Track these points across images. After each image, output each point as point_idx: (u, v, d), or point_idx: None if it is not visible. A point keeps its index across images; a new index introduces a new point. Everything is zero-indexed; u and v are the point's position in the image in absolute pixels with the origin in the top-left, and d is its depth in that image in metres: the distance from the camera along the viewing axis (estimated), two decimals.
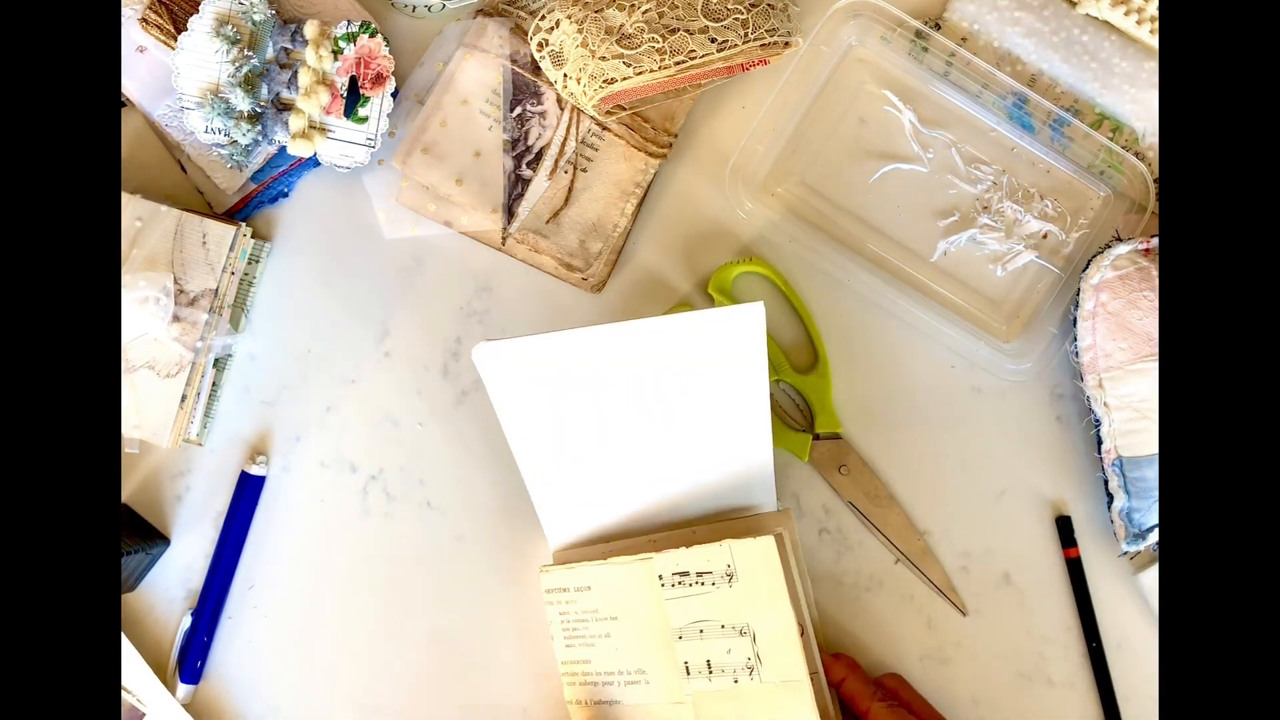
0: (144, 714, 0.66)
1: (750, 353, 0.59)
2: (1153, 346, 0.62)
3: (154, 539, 0.67)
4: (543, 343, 0.59)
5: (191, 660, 0.66)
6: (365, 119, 0.65)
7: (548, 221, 0.67)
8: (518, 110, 0.67)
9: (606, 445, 0.63)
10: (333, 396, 0.68)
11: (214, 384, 0.67)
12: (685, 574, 0.59)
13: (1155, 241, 0.63)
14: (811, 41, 0.66)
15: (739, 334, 0.59)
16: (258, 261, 0.67)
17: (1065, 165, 0.67)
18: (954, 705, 0.65)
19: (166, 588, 0.67)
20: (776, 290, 0.67)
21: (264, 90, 0.64)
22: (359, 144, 0.65)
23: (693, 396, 0.61)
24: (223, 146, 0.65)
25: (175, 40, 0.64)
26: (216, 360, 0.66)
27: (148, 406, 0.63)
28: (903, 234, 0.67)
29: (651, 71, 0.61)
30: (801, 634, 0.59)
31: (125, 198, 0.63)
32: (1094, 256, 0.63)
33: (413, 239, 0.68)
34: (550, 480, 0.63)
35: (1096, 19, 0.66)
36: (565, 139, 0.67)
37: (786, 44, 0.63)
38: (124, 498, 0.67)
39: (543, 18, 0.64)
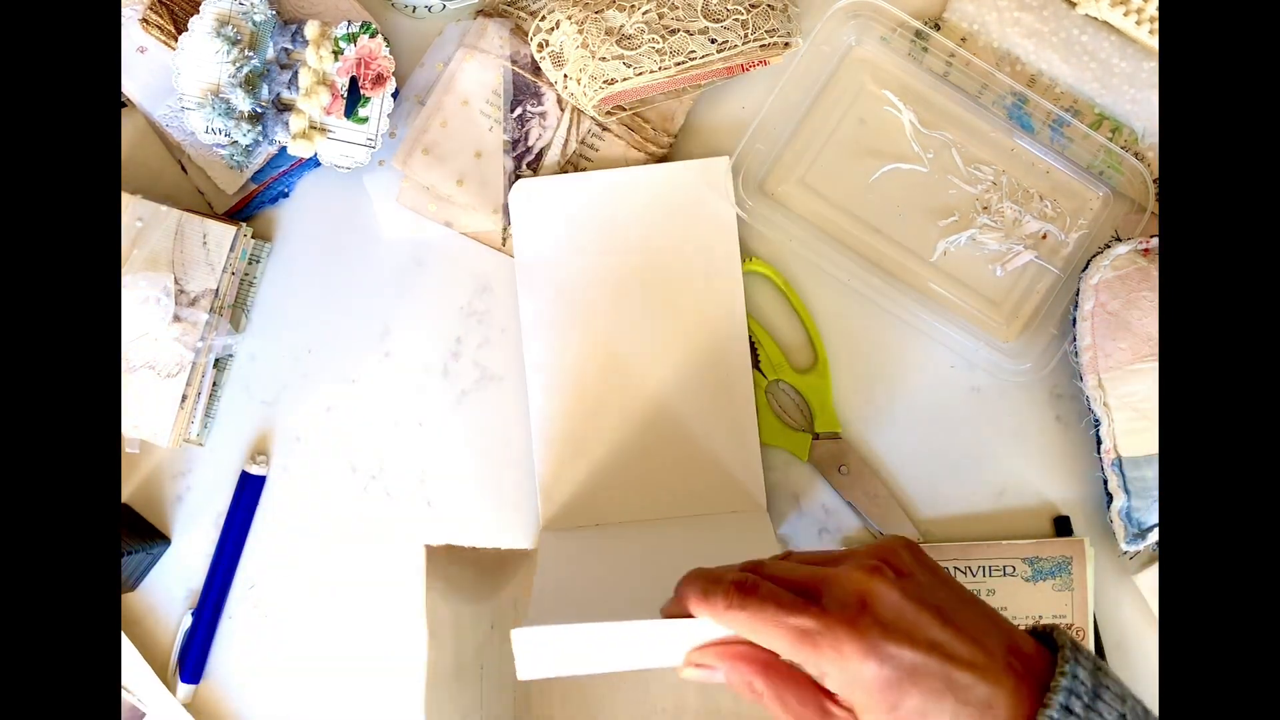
0: (144, 714, 0.66)
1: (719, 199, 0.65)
2: (1152, 346, 0.62)
3: (154, 539, 0.67)
4: (573, 181, 0.66)
5: (191, 660, 0.66)
6: (365, 119, 0.65)
7: None
8: (518, 111, 0.67)
9: (603, 293, 0.66)
10: (333, 396, 0.68)
11: (214, 384, 0.67)
12: None
13: (1154, 241, 0.63)
14: (812, 41, 0.66)
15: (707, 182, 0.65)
16: (258, 261, 0.68)
17: (1065, 165, 0.67)
18: None
19: (166, 588, 0.67)
20: (776, 290, 0.67)
21: (264, 90, 0.64)
22: (359, 144, 0.65)
23: (672, 240, 0.66)
24: (223, 147, 0.65)
25: (176, 41, 0.64)
26: (217, 360, 0.66)
27: (148, 406, 0.63)
28: (902, 234, 0.67)
29: (651, 72, 0.61)
30: None
31: (126, 198, 0.64)
32: (1093, 257, 0.63)
33: (413, 239, 0.68)
34: (547, 372, 0.66)
35: (1096, 19, 0.66)
36: (565, 139, 0.67)
37: (786, 44, 0.63)
38: (124, 498, 0.68)
39: (543, 18, 0.64)
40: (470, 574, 0.68)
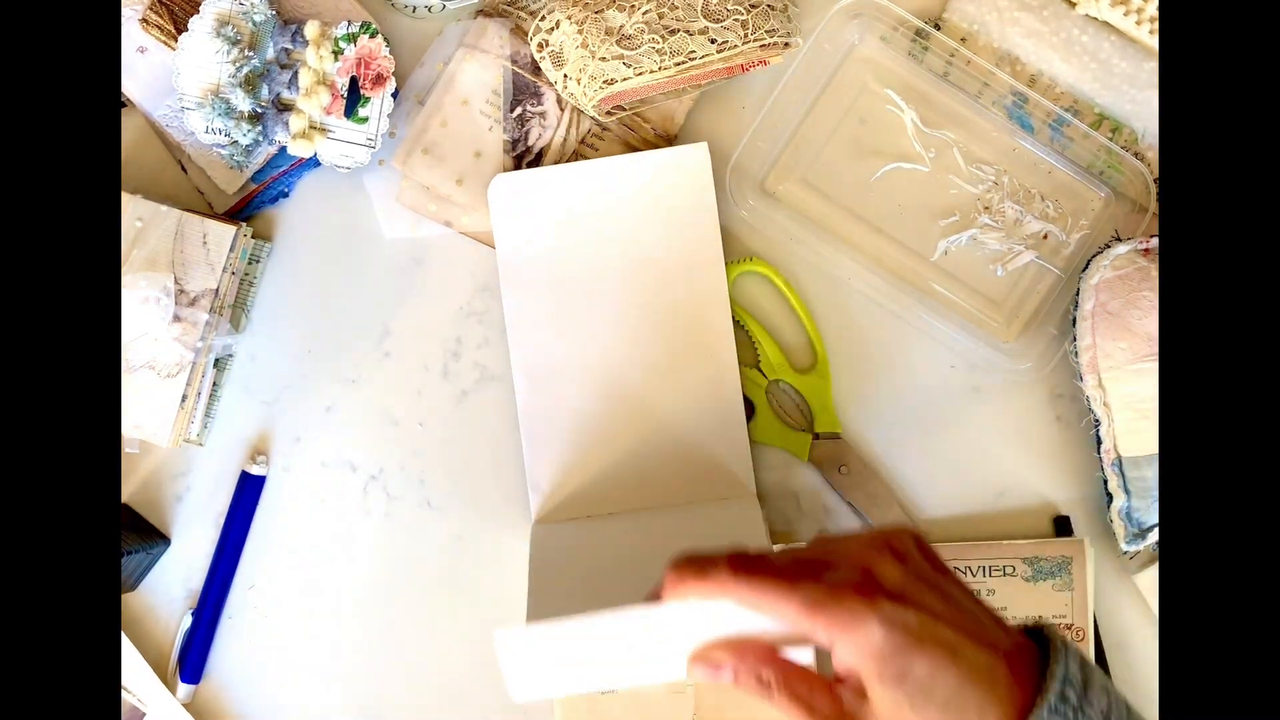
0: (144, 714, 0.66)
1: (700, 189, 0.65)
2: (1152, 346, 0.62)
3: (154, 539, 0.67)
4: (551, 173, 0.66)
5: (191, 660, 0.66)
6: (365, 119, 0.65)
7: None
8: (518, 111, 0.67)
9: (586, 287, 0.66)
10: (333, 396, 0.68)
11: (214, 384, 0.67)
12: None
13: (1154, 241, 0.63)
14: (813, 41, 0.66)
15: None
16: (258, 261, 0.68)
17: (1066, 166, 0.67)
18: None
19: (166, 588, 0.67)
20: (776, 290, 0.67)
21: (264, 90, 0.64)
22: (359, 144, 0.65)
23: (653, 230, 0.66)
24: (223, 147, 0.65)
25: (176, 41, 0.64)
26: (217, 360, 0.66)
27: (148, 406, 0.63)
28: (903, 233, 0.67)
29: (651, 72, 0.61)
30: None
31: (126, 198, 0.64)
32: (1093, 257, 0.63)
33: (413, 239, 0.68)
34: (534, 351, 0.66)
35: (1096, 19, 0.66)
36: (565, 139, 0.67)
37: (786, 44, 0.63)
38: (124, 498, 0.68)
39: (543, 18, 0.64)
40: None
